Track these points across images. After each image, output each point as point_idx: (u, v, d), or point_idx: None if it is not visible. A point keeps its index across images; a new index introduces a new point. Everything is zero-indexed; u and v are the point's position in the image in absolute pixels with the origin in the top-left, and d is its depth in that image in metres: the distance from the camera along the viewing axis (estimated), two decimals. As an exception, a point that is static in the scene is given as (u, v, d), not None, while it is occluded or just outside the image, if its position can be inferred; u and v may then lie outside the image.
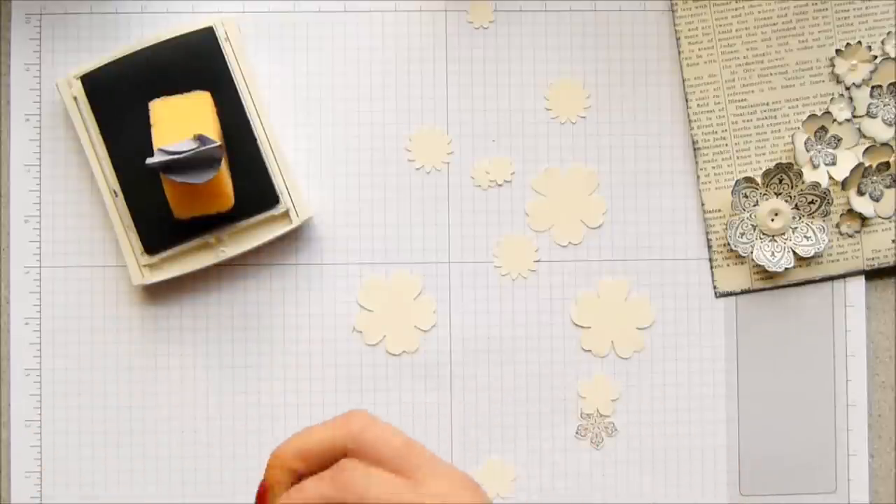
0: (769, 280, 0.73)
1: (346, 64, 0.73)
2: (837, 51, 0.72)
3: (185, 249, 0.70)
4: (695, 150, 0.73)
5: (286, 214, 0.71)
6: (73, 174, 0.72)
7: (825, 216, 0.71)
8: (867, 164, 0.72)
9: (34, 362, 0.72)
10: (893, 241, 0.73)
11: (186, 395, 0.72)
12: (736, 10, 0.73)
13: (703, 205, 0.73)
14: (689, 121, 0.73)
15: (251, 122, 0.70)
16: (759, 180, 0.71)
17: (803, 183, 0.71)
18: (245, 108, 0.70)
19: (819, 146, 0.72)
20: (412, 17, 0.73)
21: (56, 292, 0.72)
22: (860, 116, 0.72)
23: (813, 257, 0.72)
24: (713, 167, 0.73)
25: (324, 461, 0.47)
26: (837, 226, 0.73)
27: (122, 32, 0.72)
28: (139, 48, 0.70)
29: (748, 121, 0.73)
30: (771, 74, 0.73)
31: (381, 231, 0.73)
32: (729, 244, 0.72)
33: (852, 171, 0.72)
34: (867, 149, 0.72)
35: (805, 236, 0.72)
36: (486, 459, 0.72)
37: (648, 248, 0.73)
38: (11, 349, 0.72)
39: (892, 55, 0.72)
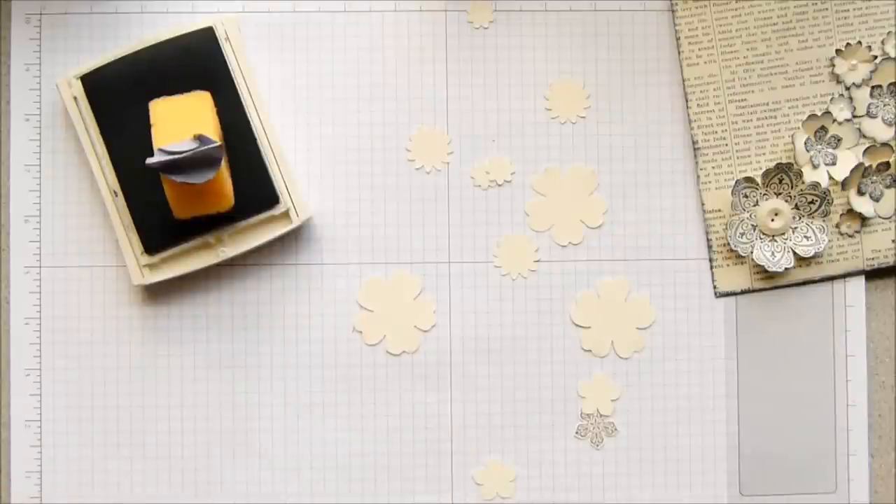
0: (769, 280, 0.73)
1: (346, 64, 0.73)
2: (837, 51, 0.72)
3: (185, 249, 0.70)
4: (695, 150, 0.73)
5: (286, 214, 0.71)
6: (73, 174, 0.72)
7: (825, 216, 0.71)
8: (867, 164, 0.72)
9: (34, 362, 0.72)
10: (893, 241, 0.73)
11: (186, 395, 0.72)
12: (736, 10, 0.73)
13: (703, 205, 0.73)
14: (689, 121, 0.73)
15: (251, 122, 0.70)
16: (759, 180, 0.71)
17: (803, 183, 0.71)
18: (245, 108, 0.70)
19: (819, 146, 0.72)
20: (412, 17, 0.73)
21: (56, 292, 0.72)
22: (860, 116, 0.72)
23: (813, 257, 0.72)
24: (713, 167, 0.73)
25: None
26: (837, 226, 0.73)
27: (122, 32, 0.72)
28: (139, 48, 0.70)
29: (748, 121, 0.73)
30: (771, 74, 0.73)
31: (381, 231, 0.73)
32: (729, 244, 0.72)
33: (852, 171, 0.72)
34: (867, 149, 0.72)
35: (805, 236, 0.72)
36: (486, 459, 0.72)
37: (648, 248, 0.73)
38: (11, 349, 0.72)
39: (892, 55, 0.72)
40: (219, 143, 0.63)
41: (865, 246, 0.73)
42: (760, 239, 0.72)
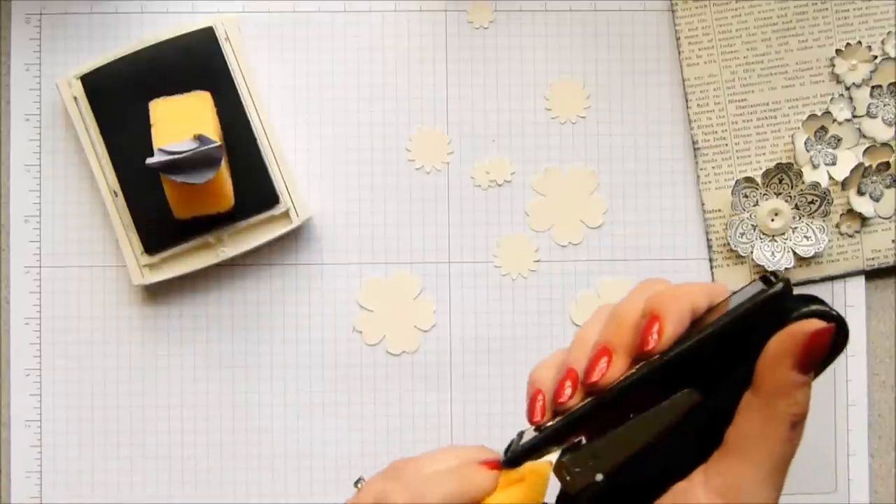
0: (769, 280, 0.73)
1: (346, 64, 0.73)
2: (837, 51, 0.72)
3: (185, 249, 0.70)
4: (695, 150, 0.73)
5: (286, 214, 0.71)
6: (73, 174, 0.72)
7: (825, 216, 0.71)
8: (867, 164, 0.72)
9: (34, 362, 0.72)
10: (893, 241, 0.73)
11: (186, 395, 0.72)
12: (736, 10, 0.73)
13: (703, 205, 0.73)
14: (689, 121, 0.73)
15: (251, 122, 0.70)
16: (759, 180, 0.71)
17: (803, 183, 0.71)
18: (245, 108, 0.70)
19: (819, 146, 0.72)
20: (412, 17, 0.73)
21: (56, 292, 0.72)
22: (860, 116, 0.72)
23: (813, 257, 0.72)
24: (713, 167, 0.73)
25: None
26: (837, 226, 0.73)
27: (122, 32, 0.72)
28: (139, 48, 0.70)
29: (748, 121, 0.73)
30: (771, 74, 0.73)
31: (381, 231, 0.73)
32: (729, 244, 0.72)
33: (852, 171, 0.72)
34: (867, 149, 0.72)
35: (805, 236, 0.72)
36: (486, 459, 0.72)
37: (648, 248, 0.73)
38: (11, 349, 0.72)
39: (892, 55, 0.72)
40: (219, 143, 0.63)
41: (865, 246, 0.73)
42: (760, 239, 0.72)
